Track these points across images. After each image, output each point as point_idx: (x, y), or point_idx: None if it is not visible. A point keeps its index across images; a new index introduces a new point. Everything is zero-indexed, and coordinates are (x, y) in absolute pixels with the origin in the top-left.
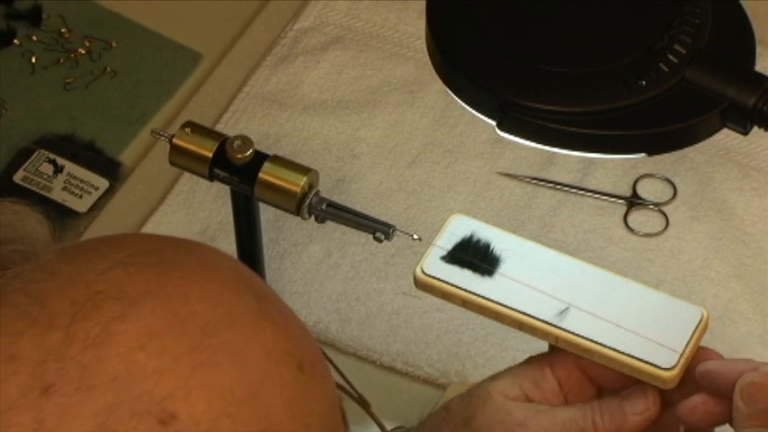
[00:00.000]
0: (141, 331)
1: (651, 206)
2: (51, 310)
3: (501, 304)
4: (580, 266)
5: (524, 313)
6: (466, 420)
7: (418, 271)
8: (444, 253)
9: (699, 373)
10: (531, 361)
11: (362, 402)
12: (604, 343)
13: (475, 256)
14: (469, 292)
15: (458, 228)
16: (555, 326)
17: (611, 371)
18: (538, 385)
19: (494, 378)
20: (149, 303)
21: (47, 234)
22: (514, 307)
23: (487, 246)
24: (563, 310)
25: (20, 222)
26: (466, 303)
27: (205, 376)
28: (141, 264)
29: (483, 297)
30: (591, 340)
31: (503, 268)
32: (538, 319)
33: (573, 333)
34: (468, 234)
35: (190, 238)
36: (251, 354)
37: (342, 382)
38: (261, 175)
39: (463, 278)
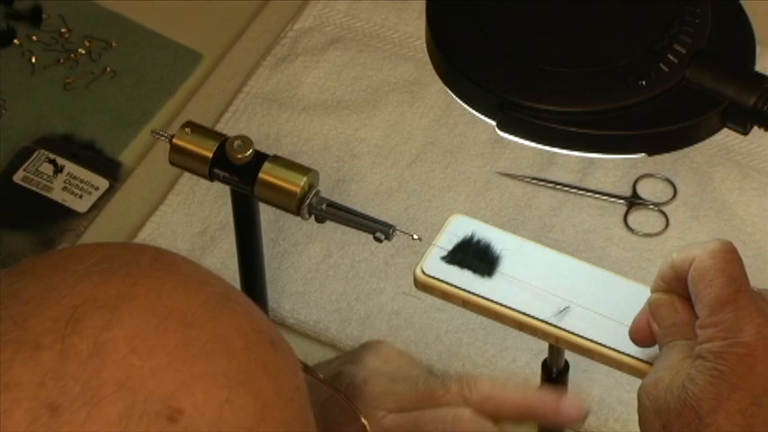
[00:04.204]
0: (128, 335)
1: (651, 206)
2: (34, 332)
3: (501, 304)
4: (580, 266)
5: (524, 313)
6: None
7: (418, 271)
8: (444, 253)
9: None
10: None
11: (310, 370)
12: (604, 343)
13: (475, 256)
14: (469, 292)
15: (457, 228)
16: (555, 326)
17: None
18: None
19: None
20: (126, 307)
21: None
22: (514, 307)
23: (487, 246)
24: (563, 310)
25: None
26: (466, 304)
27: (200, 367)
28: (104, 271)
29: (483, 297)
30: (591, 340)
31: (502, 268)
32: (537, 319)
33: (573, 333)
34: (468, 234)
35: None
36: (232, 338)
37: None
38: (261, 175)
39: (463, 278)
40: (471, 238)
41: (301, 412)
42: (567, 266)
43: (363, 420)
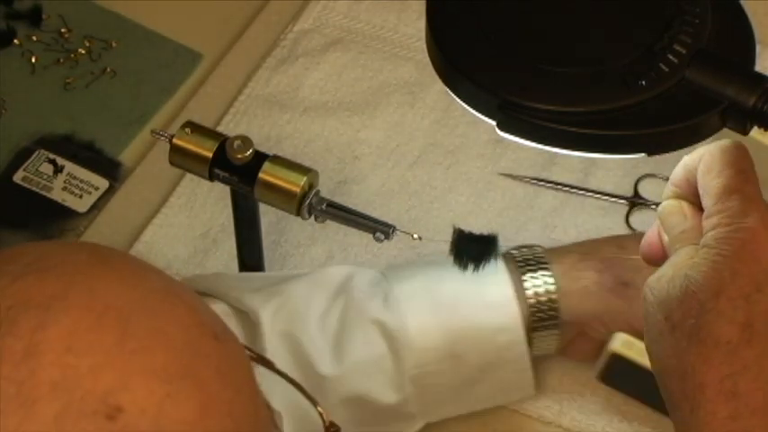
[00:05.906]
0: (64, 334)
1: (653, 206)
2: None
3: None
4: None
5: None
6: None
7: None
8: None
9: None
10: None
11: (265, 362)
12: None
13: None
14: None
15: None
16: None
17: None
18: None
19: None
20: (61, 305)
21: None
22: None
23: None
24: None
25: None
26: None
27: (138, 363)
28: (39, 270)
29: None
30: None
31: None
32: None
33: None
34: None
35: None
36: (172, 332)
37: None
38: (261, 175)
39: None
40: None
41: (251, 403)
42: None
43: (319, 409)
